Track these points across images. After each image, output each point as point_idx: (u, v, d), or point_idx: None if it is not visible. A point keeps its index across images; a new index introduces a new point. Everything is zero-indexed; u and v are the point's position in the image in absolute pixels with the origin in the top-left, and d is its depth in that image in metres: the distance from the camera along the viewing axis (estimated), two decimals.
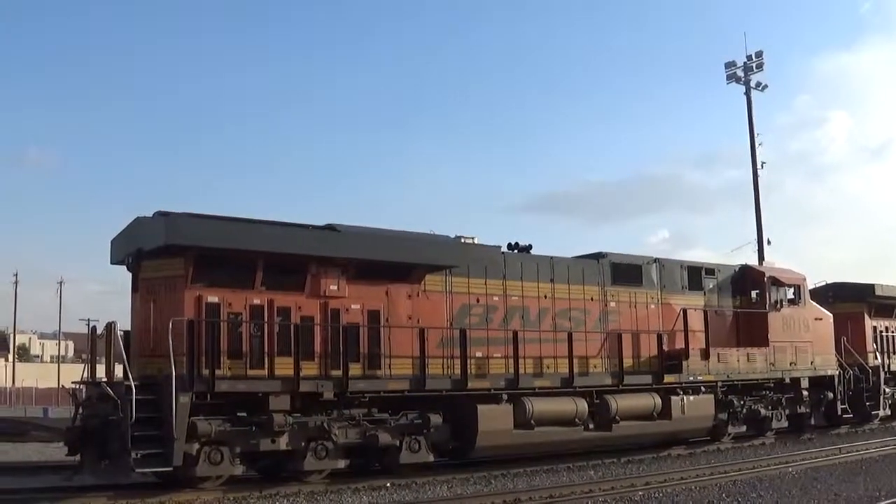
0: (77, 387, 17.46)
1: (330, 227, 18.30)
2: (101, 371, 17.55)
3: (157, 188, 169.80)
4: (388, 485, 17.47)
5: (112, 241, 18.02)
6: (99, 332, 17.36)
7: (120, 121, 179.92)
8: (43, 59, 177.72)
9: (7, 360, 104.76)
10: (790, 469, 19.47)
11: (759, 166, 47.72)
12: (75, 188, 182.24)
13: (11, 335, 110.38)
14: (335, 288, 17.99)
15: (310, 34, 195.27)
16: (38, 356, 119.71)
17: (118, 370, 16.73)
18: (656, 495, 16.12)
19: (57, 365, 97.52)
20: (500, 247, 20.90)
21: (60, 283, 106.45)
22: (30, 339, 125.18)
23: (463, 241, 20.27)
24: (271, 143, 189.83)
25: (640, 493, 16.34)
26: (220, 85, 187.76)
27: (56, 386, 69.88)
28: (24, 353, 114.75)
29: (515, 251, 21.57)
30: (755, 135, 48.32)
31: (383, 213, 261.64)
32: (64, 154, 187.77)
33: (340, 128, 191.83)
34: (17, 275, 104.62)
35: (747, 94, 48.88)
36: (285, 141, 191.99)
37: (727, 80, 49.53)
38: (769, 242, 46.66)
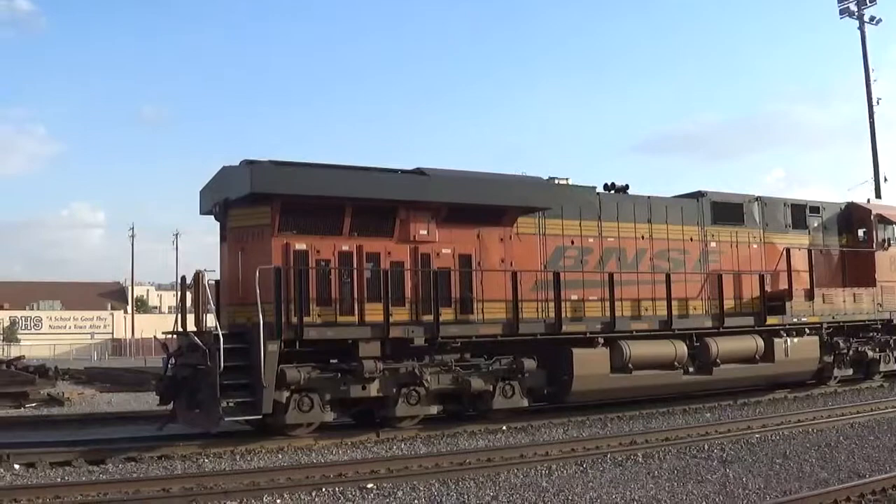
0: (167, 337, 17.59)
1: (419, 171, 18.02)
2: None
3: (271, 140, 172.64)
4: (504, 428, 17.54)
5: (201, 192, 18.02)
6: (188, 281, 17.36)
7: (233, 79, 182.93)
8: (155, 21, 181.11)
9: (126, 311, 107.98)
10: None
11: (874, 102, 46.63)
12: (192, 143, 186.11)
13: (130, 287, 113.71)
14: (425, 232, 17.74)
15: None
16: (156, 307, 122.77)
17: (210, 319, 16.81)
18: (773, 437, 15.83)
19: (174, 315, 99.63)
20: (595, 187, 20.40)
21: (176, 234, 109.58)
22: (147, 290, 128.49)
23: (556, 182, 19.81)
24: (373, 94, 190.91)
25: (757, 435, 16.06)
26: (330, 47, 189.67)
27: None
28: (142, 305, 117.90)
29: (612, 192, 20.99)
30: (870, 70, 47.15)
31: (477, 157, 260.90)
32: (180, 110, 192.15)
33: (451, 69, 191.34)
34: (133, 228, 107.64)
35: (861, 28, 47.46)
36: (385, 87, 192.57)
37: (840, 14, 48.29)
38: (885, 179, 45.70)
